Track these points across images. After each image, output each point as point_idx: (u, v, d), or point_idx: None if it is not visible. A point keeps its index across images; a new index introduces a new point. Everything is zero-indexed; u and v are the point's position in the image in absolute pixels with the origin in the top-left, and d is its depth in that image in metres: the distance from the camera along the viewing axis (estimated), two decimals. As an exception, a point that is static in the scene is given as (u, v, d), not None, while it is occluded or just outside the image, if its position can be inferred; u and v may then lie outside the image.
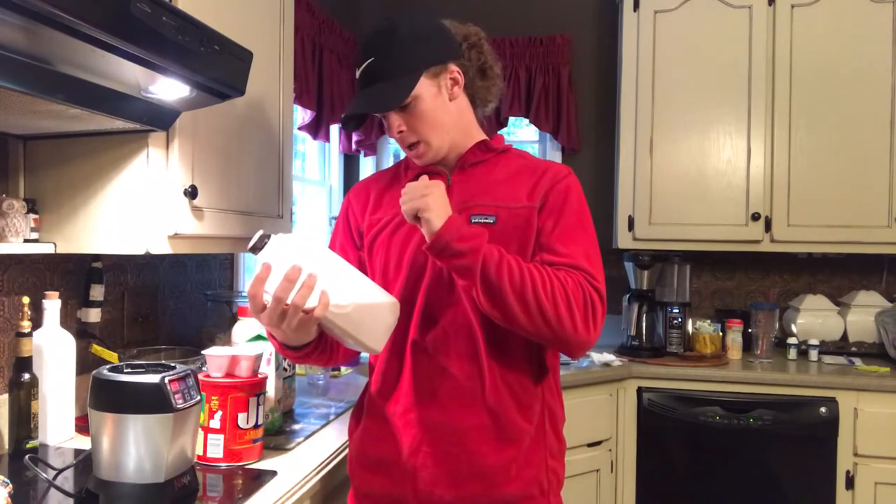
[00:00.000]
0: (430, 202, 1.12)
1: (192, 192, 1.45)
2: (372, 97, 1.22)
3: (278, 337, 1.14)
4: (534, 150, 3.29)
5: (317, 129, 2.76)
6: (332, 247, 1.38)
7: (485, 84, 1.31)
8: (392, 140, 4.06)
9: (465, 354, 1.21)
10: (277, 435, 1.53)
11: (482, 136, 1.32)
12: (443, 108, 1.24)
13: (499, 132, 1.36)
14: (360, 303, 1.09)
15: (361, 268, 1.31)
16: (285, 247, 1.07)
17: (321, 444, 1.50)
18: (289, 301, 1.04)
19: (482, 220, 1.22)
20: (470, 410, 1.20)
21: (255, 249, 1.07)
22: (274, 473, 1.29)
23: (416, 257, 1.24)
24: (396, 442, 1.24)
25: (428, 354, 1.22)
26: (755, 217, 2.66)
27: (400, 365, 1.25)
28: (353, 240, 1.36)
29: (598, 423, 2.47)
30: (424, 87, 1.21)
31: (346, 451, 1.52)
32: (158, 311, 1.94)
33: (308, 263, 1.04)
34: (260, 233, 1.08)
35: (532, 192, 1.24)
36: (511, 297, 1.11)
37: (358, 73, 1.24)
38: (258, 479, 1.27)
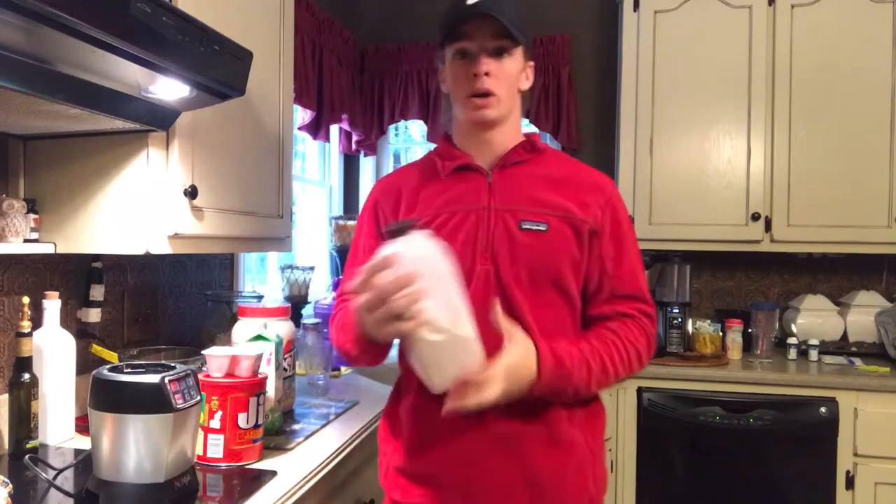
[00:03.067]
0: (503, 393, 1.07)
1: (192, 192, 1.45)
2: (498, 5, 1.17)
3: (359, 322, 1.09)
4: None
5: (317, 129, 2.76)
6: (355, 246, 1.34)
7: (526, 92, 1.31)
8: (392, 140, 4.04)
9: None
10: (277, 435, 1.53)
11: (522, 137, 1.30)
12: (517, 85, 1.25)
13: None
14: (453, 338, 1.04)
15: None
16: (418, 247, 1.02)
17: (321, 444, 1.50)
18: (392, 309, 1.00)
19: (533, 227, 1.19)
20: (522, 420, 1.17)
21: (392, 233, 1.03)
22: (274, 473, 1.29)
23: (461, 259, 1.16)
24: (445, 453, 1.18)
25: None
26: (755, 217, 2.66)
27: None
28: (382, 242, 1.28)
29: (598, 423, 2.47)
30: (518, 55, 1.23)
31: (347, 451, 1.52)
32: (158, 311, 1.94)
33: (427, 275, 1.00)
34: (408, 220, 1.05)
35: (584, 205, 1.22)
36: (597, 387, 1.19)
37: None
38: (258, 479, 1.27)
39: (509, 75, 1.21)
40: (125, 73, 1.12)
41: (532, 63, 1.29)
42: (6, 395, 1.41)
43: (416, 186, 1.28)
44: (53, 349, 1.45)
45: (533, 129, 3.23)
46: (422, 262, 1.01)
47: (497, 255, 1.19)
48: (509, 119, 1.26)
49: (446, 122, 1.35)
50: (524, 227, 1.19)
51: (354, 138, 3.18)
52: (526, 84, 1.28)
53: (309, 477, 1.32)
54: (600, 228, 1.22)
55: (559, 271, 1.19)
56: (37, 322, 1.45)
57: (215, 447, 1.32)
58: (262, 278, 2.82)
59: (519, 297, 1.18)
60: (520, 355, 1.09)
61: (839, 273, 2.95)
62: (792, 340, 2.68)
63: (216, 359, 1.35)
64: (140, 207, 1.42)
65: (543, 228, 1.19)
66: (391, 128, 3.39)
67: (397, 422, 1.28)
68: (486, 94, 1.20)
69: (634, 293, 1.23)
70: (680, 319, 2.76)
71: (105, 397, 1.10)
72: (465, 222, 1.21)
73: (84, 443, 1.42)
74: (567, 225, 1.20)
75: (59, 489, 1.16)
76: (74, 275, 1.64)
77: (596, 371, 1.16)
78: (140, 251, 1.42)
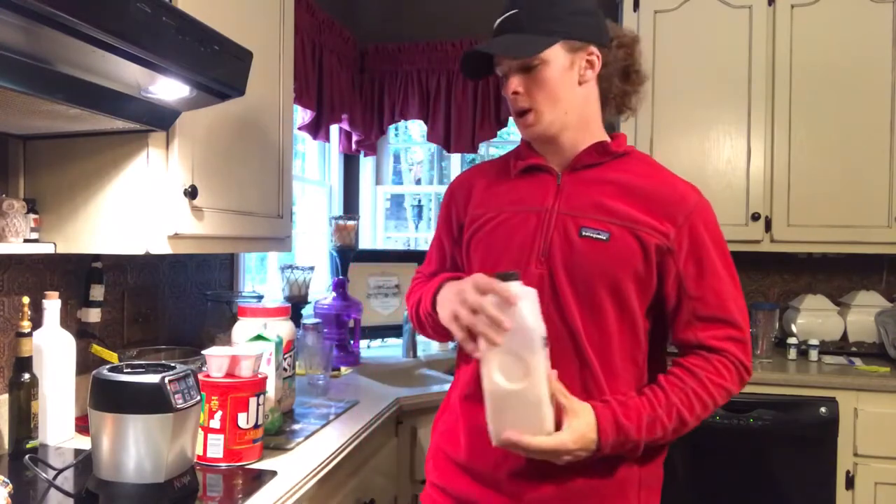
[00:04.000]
0: (576, 455, 1.06)
1: (192, 192, 1.45)
2: (502, 43, 1.17)
3: (442, 304, 1.14)
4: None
5: (317, 129, 2.76)
6: (433, 242, 1.38)
7: (623, 87, 1.24)
8: (392, 140, 4.05)
9: (570, 374, 1.14)
10: (277, 435, 1.53)
11: (604, 137, 1.24)
12: (568, 86, 1.17)
13: (495, 132, 1.30)
14: (517, 393, 1.04)
15: (453, 264, 1.33)
16: (531, 302, 1.05)
17: (321, 444, 1.50)
18: (475, 324, 1.05)
19: (593, 235, 1.14)
20: (590, 474, 1.14)
21: (503, 278, 1.06)
22: (274, 473, 1.29)
23: (517, 259, 1.18)
24: (485, 451, 1.16)
25: None
26: (755, 217, 2.66)
27: None
28: (451, 234, 1.32)
29: (598, 423, 2.47)
30: (557, 55, 1.15)
31: (347, 451, 1.52)
32: (158, 311, 1.94)
33: (521, 329, 1.03)
34: (511, 272, 1.07)
35: (656, 218, 1.15)
36: (673, 436, 1.14)
37: (496, 23, 1.18)
38: (258, 479, 1.27)
39: (545, 83, 1.16)
40: (125, 73, 1.12)
41: (592, 47, 1.18)
42: (6, 395, 1.41)
43: (487, 183, 1.28)
44: (53, 349, 1.45)
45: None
46: (526, 315, 1.03)
47: (553, 259, 1.16)
48: (575, 122, 1.20)
49: None
50: (584, 233, 1.15)
51: (354, 138, 3.18)
52: (590, 74, 1.19)
53: (309, 477, 1.32)
54: (676, 246, 1.14)
55: (617, 283, 1.14)
56: (37, 322, 1.45)
57: (215, 447, 1.32)
58: (262, 278, 2.82)
59: (572, 306, 1.14)
60: (581, 432, 1.06)
61: (839, 273, 2.95)
62: (792, 340, 2.68)
63: (216, 359, 1.35)
64: (140, 207, 1.42)
65: (604, 237, 1.14)
66: (391, 128, 3.39)
67: (446, 411, 1.30)
68: (524, 112, 1.19)
69: (720, 315, 1.14)
70: (680, 319, 2.76)
71: (105, 397, 1.10)
72: (526, 223, 1.19)
73: (84, 443, 1.42)
74: (631, 236, 1.14)
75: (59, 489, 1.16)
76: (74, 275, 1.64)
77: (670, 426, 1.12)
78: (140, 251, 1.42)
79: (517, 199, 1.23)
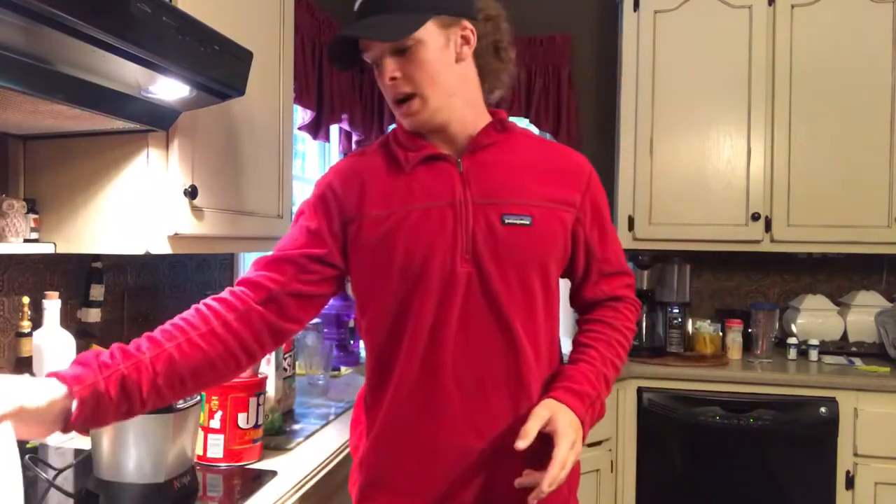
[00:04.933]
0: (577, 452, 1.06)
1: (192, 192, 1.45)
2: (370, 25, 1.07)
3: None
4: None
5: (317, 129, 2.76)
6: (294, 230, 1.16)
7: (496, 65, 1.15)
8: (392, 140, 3.97)
9: (504, 368, 1.10)
10: (277, 435, 1.53)
11: (487, 116, 1.16)
12: (447, 65, 1.08)
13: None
14: None
15: (331, 255, 1.12)
16: None
17: (321, 444, 1.50)
18: None
19: (517, 222, 1.08)
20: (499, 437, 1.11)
21: None
22: (274, 473, 1.29)
23: (443, 261, 1.07)
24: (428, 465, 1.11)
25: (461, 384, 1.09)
26: (755, 217, 2.66)
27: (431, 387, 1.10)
28: (331, 229, 1.13)
29: (597, 423, 2.47)
30: (431, 34, 1.06)
31: (347, 451, 1.52)
32: (158, 311, 1.94)
33: None
34: None
35: (566, 190, 1.15)
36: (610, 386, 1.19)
37: (357, 4, 1.09)
38: (258, 479, 1.26)
39: (424, 65, 1.06)
40: (125, 73, 1.12)
41: (465, 22, 1.09)
42: (6, 395, 1.40)
43: (381, 178, 1.13)
44: (53, 349, 1.45)
45: (532, 128, 3.23)
46: None
47: (479, 255, 1.07)
48: (461, 104, 1.11)
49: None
50: (507, 221, 1.08)
51: (354, 138, 3.18)
52: (466, 50, 1.10)
53: (309, 477, 1.32)
54: (582, 213, 1.17)
55: (546, 268, 1.11)
56: (37, 322, 1.45)
57: (215, 447, 1.32)
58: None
59: (506, 303, 1.08)
60: (565, 422, 1.05)
61: (839, 273, 2.95)
62: (792, 340, 2.68)
63: (216, 359, 1.34)
64: (140, 207, 1.42)
65: (527, 222, 1.09)
66: (391, 128, 3.39)
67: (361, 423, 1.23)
68: (407, 99, 1.09)
69: (619, 269, 1.25)
70: (680, 319, 2.76)
71: (105, 397, 1.09)
72: (442, 219, 1.08)
73: (84, 443, 1.42)
74: (552, 215, 1.12)
75: (59, 489, 1.16)
76: (74, 275, 1.64)
77: (612, 376, 1.18)
78: (140, 251, 1.42)
79: (423, 194, 1.10)
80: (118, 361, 0.98)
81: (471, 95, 1.14)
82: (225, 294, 1.11)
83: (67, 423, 0.92)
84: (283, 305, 1.09)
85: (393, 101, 1.12)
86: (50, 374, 0.93)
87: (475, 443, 1.09)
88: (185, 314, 1.07)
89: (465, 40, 1.10)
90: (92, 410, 0.92)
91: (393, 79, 1.08)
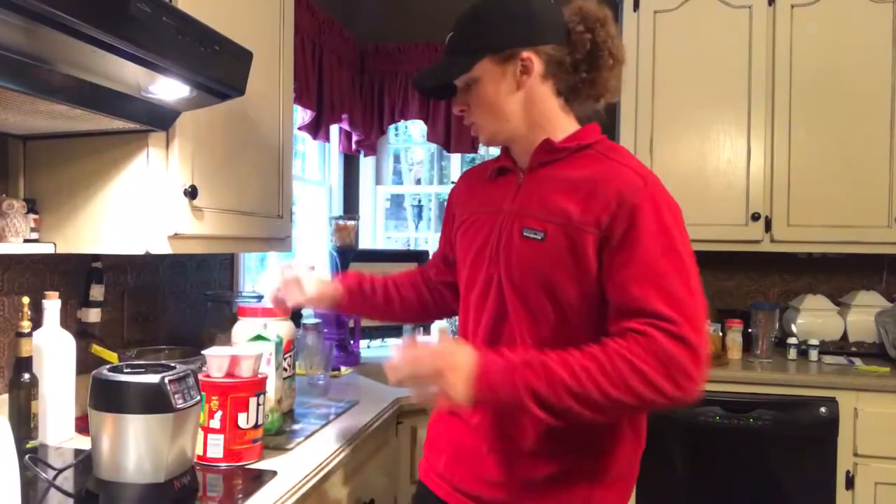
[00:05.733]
0: (449, 381, 1.04)
1: (192, 192, 1.45)
2: (433, 70, 1.27)
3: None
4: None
5: (317, 129, 2.76)
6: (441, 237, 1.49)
7: (590, 76, 1.18)
8: (392, 140, 4.05)
9: None
10: (277, 435, 1.53)
11: (566, 131, 1.22)
12: (505, 95, 1.19)
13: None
14: None
15: (451, 251, 1.41)
16: None
17: (321, 444, 1.50)
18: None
19: (531, 236, 1.16)
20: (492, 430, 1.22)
21: None
22: (274, 473, 1.29)
23: (475, 261, 1.26)
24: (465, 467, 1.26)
25: None
26: (755, 217, 2.66)
27: None
28: (449, 232, 1.42)
29: (598, 423, 2.47)
30: (486, 71, 1.19)
31: (347, 451, 1.52)
32: (158, 311, 1.94)
33: None
34: None
35: (590, 210, 1.11)
36: (578, 407, 1.01)
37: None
38: (258, 479, 1.26)
39: (480, 99, 1.21)
40: (125, 74, 1.12)
41: (523, 52, 1.16)
42: (6, 395, 1.41)
43: (472, 186, 1.38)
44: (53, 349, 1.45)
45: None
46: None
47: (499, 260, 1.20)
48: (522, 126, 1.21)
49: None
50: (525, 234, 1.17)
51: (354, 138, 3.18)
52: (526, 79, 1.17)
53: (309, 477, 1.32)
54: (610, 234, 1.09)
55: (551, 282, 1.13)
56: (37, 322, 1.45)
57: (215, 447, 1.32)
58: (262, 278, 2.82)
59: (511, 306, 1.18)
60: (460, 356, 1.06)
61: (839, 273, 2.95)
62: (792, 340, 2.68)
63: (216, 359, 1.34)
64: (140, 207, 1.42)
65: (540, 237, 1.15)
66: (391, 128, 3.39)
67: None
68: (472, 125, 1.26)
69: (641, 308, 1.04)
70: (680, 319, 2.76)
71: (105, 397, 1.10)
72: (486, 224, 1.25)
73: (84, 443, 1.42)
74: (562, 233, 1.13)
75: (59, 489, 1.16)
76: (74, 275, 1.64)
77: (568, 381, 1.01)
78: (140, 251, 1.42)
79: (486, 201, 1.28)
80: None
81: (538, 115, 1.21)
82: None
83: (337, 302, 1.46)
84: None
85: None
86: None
87: (469, 418, 1.25)
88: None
89: (525, 70, 1.18)
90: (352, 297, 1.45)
91: (461, 111, 1.26)
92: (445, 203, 1.46)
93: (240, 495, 1.19)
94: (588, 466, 1.19)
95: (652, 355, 1.01)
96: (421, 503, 1.37)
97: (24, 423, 1.38)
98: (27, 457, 1.22)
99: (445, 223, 1.45)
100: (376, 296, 1.47)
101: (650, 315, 1.03)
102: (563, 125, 1.22)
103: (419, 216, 3.50)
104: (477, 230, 1.26)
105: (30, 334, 1.39)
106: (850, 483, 2.34)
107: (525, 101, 1.20)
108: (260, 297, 2.10)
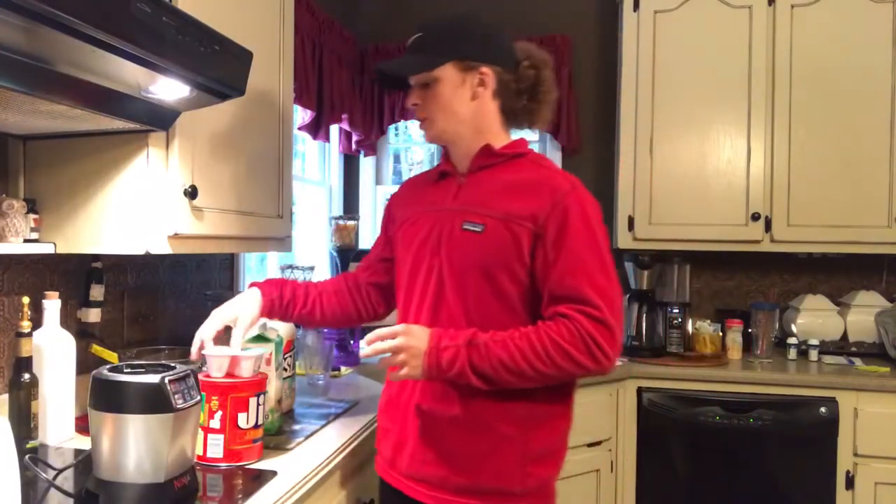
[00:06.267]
0: (405, 357, 1.23)
1: (192, 192, 1.45)
2: (400, 61, 1.42)
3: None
4: (533, 149, 3.29)
5: (317, 129, 2.76)
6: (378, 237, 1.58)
7: (529, 105, 1.37)
8: (392, 140, 4.05)
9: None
10: (277, 435, 1.53)
11: (501, 142, 1.37)
12: (460, 100, 1.33)
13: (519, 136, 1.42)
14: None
15: (387, 252, 1.51)
16: None
17: (321, 444, 1.50)
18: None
19: (470, 228, 1.29)
20: (443, 403, 1.31)
21: None
22: (274, 473, 1.29)
23: (418, 253, 1.37)
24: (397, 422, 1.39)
25: None
26: (755, 217, 2.66)
27: None
28: (387, 232, 1.53)
29: (597, 423, 2.47)
30: (449, 74, 1.32)
31: (347, 450, 1.53)
32: (158, 311, 1.94)
33: None
34: None
35: (527, 208, 1.27)
36: (509, 378, 1.22)
37: (408, 42, 1.37)
38: (258, 479, 1.26)
39: (437, 98, 1.33)
40: (125, 74, 1.12)
41: (484, 68, 1.32)
42: (6, 395, 1.41)
43: (413, 190, 1.50)
44: (53, 349, 1.45)
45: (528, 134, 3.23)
46: None
47: (442, 252, 1.32)
48: (469, 131, 1.35)
49: None
50: (465, 227, 1.30)
51: (354, 138, 3.18)
52: (481, 91, 1.33)
53: (309, 477, 1.32)
54: (544, 231, 1.25)
55: (488, 270, 1.28)
56: (37, 322, 1.45)
57: (215, 447, 1.32)
58: (261, 278, 2.82)
59: (449, 291, 1.31)
60: (421, 335, 1.24)
61: (839, 273, 2.95)
62: (792, 340, 2.68)
63: (216, 359, 1.34)
64: (140, 207, 1.42)
65: (479, 229, 1.28)
66: (391, 128, 3.39)
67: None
68: (421, 120, 1.39)
69: (573, 295, 1.22)
70: (680, 319, 2.76)
71: (105, 397, 1.10)
72: (428, 222, 1.37)
73: (84, 443, 1.42)
74: (503, 226, 1.27)
75: (59, 489, 1.16)
76: (74, 275, 1.64)
77: (504, 358, 1.21)
78: (140, 251, 1.42)
79: (428, 202, 1.41)
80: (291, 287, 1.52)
81: (483, 125, 1.36)
82: None
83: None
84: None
85: (417, 120, 1.41)
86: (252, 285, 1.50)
87: (419, 399, 1.35)
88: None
89: (482, 83, 1.33)
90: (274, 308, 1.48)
91: (414, 104, 1.38)
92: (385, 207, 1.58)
93: (240, 495, 1.19)
94: (520, 441, 1.29)
95: (577, 337, 1.20)
96: (383, 498, 1.47)
97: (24, 423, 1.38)
98: (27, 457, 1.22)
99: (384, 226, 1.55)
100: (295, 306, 1.51)
101: (580, 301, 1.22)
102: (501, 138, 1.39)
103: (419, 216, 3.49)
104: (420, 227, 1.38)
105: (30, 334, 1.39)
106: (850, 483, 2.34)
107: (475, 110, 1.35)
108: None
